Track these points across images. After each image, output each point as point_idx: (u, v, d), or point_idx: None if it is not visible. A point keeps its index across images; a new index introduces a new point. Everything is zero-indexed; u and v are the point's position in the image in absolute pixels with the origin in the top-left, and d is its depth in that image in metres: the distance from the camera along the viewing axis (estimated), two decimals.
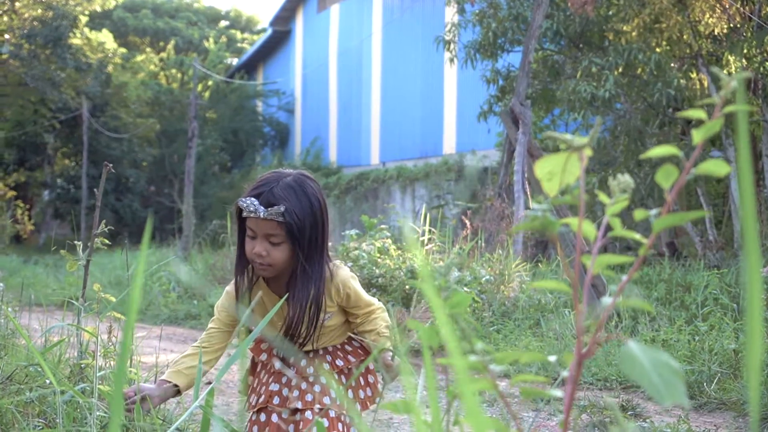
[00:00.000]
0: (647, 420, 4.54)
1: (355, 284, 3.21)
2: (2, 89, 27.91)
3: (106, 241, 3.96)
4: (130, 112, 29.76)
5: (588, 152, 1.47)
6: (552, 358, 1.48)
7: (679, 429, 4.30)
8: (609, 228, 1.51)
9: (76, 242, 4.01)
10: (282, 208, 2.89)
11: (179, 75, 34.03)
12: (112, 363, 3.69)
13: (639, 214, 1.41)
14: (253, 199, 2.92)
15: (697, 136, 1.39)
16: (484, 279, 8.41)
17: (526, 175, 10.65)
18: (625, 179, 1.53)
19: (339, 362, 3.27)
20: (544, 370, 6.07)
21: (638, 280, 9.60)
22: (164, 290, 11.71)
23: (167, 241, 22.46)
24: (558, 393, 1.34)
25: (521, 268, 8.85)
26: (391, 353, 3.11)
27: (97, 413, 2.94)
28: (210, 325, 3.21)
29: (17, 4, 26.28)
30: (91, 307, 3.78)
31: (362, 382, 3.31)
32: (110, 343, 3.68)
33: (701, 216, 1.23)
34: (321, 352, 3.25)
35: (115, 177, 29.05)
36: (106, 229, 3.98)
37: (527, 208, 10.38)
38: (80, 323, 3.63)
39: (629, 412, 4.66)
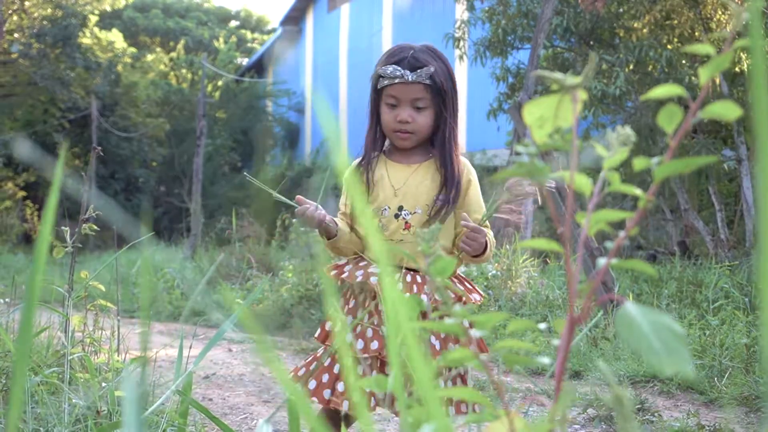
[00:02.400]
0: (655, 414, 4.39)
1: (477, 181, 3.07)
2: (12, 89, 27.87)
3: (95, 227, 3.83)
4: (140, 112, 29.71)
5: (583, 95, 1.33)
6: (542, 326, 1.34)
7: (689, 424, 4.15)
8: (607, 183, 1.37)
9: (63, 228, 3.89)
10: (431, 69, 2.85)
11: (189, 75, 33.98)
12: (99, 353, 3.56)
13: (639, 163, 1.28)
14: (395, 65, 2.87)
15: (704, 73, 1.25)
16: (490, 274, 8.29)
17: None
18: (626, 131, 1.39)
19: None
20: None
21: (648, 278, 9.48)
22: (169, 287, 11.61)
23: (176, 240, 22.41)
24: (546, 360, 1.20)
25: (529, 264, 8.71)
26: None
27: (75, 400, 2.81)
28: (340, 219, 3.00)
29: (27, 3, 26.25)
30: (79, 295, 3.67)
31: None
32: (94, 331, 3.55)
33: (711, 160, 1.09)
34: (419, 279, 2.89)
35: (125, 177, 29.02)
36: (94, 214, 3.86)
37: (535, 202, 10.25)
38: (66, 311, 3.50)
39: (637, 406, 4.51)
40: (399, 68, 2.85)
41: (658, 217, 13.95)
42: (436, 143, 2.95)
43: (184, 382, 2.33)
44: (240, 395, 5.25)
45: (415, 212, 2.93)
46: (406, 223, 2.92)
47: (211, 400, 5.05)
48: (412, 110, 2.89)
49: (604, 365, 1.10)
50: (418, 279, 2.90)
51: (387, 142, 3.10)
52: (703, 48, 1.24)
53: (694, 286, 8.39)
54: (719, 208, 12.39)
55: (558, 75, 1.27)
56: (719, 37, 1.25)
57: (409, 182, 2.95)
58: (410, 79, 2.84)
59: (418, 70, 2.84)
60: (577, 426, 4.36)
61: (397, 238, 2.91)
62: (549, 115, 1.33)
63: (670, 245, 13.02)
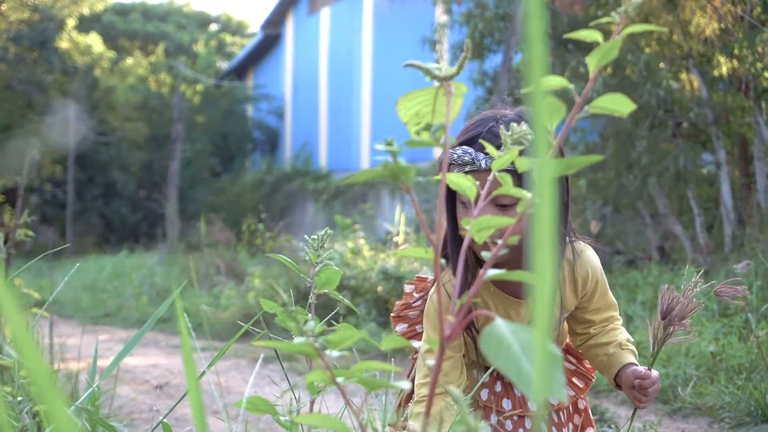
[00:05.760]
0: (612, 425, 4.28)
1: (604, 275, 2.43)
2: None
3: (30, 233, 3.68)
4: (118, 117, 29.52)
5: (463, 89, 1.21)
6: (416, 344, 1.21)
7: None
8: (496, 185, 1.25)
9: None
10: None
11: (168, 79, 33.80)
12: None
13: (522, 163, 1.15)
14: (466, 147, 2.14)
15: (592, 61, 1.12)
16: None
17: None
18: (521, 128, 1.26)
19: (569, 391, 2.45)
20: None
21: (624, 284, 9.40)
22: (136, 293, 11.47)
23: (153, 245, 22.28)
24: (405, 385, 1.06)
25: None
26: (643, 367, 2.31)
27: None
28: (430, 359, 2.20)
29: (3, 6, 26.05)
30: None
31: (570, 410, 2.52)
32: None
33: (596, 159, 0.99)
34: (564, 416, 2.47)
35: (103, 181, 28.86)
36: (28, 220, 3.72)
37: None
38: None
39: (595, 417, 4.39)
40: (471, 151, 2.13)
41: (637, 222, 13.86)
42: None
43: (89, 398, 2.19)
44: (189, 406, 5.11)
45: None
46: None
47: (158, 411, 4.91)
48: (495, 209, 2.11)
49: (457, 395, 0.96)
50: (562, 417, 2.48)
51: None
52: (591, 35, 1.11)
53: None
54: (698, 213, 12.30)
55: (431, 65, 1.14)
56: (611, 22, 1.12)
57: (515, 320, 2.27)
58: (484, 167, 2.10)
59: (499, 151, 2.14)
60: None
61: None
62: (426, 110, 1.20)
63: (649, 250, 12.94)
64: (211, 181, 28.88)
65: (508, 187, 1.20)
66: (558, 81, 1.08)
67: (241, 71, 33.56)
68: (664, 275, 9.34)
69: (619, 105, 1.07)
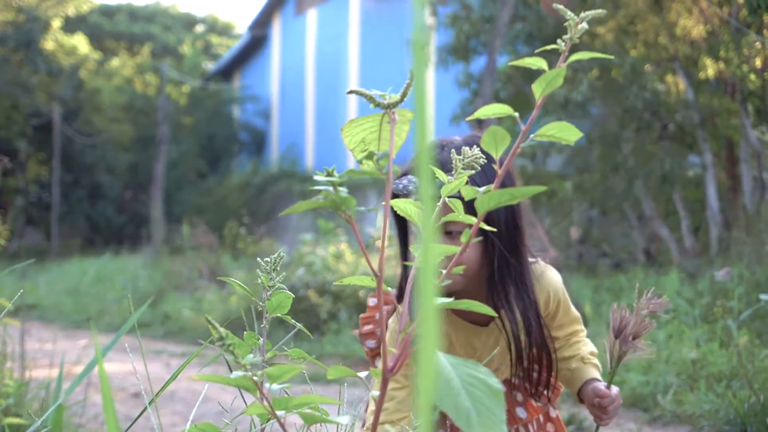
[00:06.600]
0: None
1: (565, 292, 2.42)
2: None
3: (2, 242, 3.65)
4: (104, 118, 29.41)
5: (408, 115, 1.18)
6: (363, 375, 1.18)
7: None
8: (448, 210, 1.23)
9: None
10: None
11: (154, 80, 33.72)
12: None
13: (467, 192, 1.13)
14: (411, 176, 2.08)
15: (537, 89, 1.10)
16: None
17: None
18: (473, 152, 1.24)
19: (536, 402, 2.44)
20: None
21: (610, 287, 9.38)
22: (119, 297, 11.40)
23: (138, 247, 22.18)
24: (344, 420, 1.04)
25: None
26: (604, 383, 2.27)
27: None
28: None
29: None
30: None
31: (541, 420, 2.51)
32: None
33: (539, 190, 0.96)
34: (513, 393, 2.45)
35: (90, 183, 28.72)
36: (1, 228, 3.69)
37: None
38: None
39: (573, 426, 4.37)
40: (415, 180, 2.04)
41: (624, 224, 13.86)
42: (498, 294, 2.19)
43: (52, 418, 2.15)
44: (166, 415, 5.06)
45: (497, 369, 2.38)
46: None
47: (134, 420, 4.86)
48: (444, 238, 2.09)
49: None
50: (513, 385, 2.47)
51: None
52: (535, 62, 1.09)
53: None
54: (684, 215, 12.30)
55: (374, 92, 1.12)
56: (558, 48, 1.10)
57: (478, 348, 2.33)
58: None
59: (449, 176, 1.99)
60: None
61: None
62: (372, 137, 1.18)
63: (635, 253, 12.92)
64: (197, 183, 28.76)
65: (457, 213, 1.17)
66: (503, 109, 1.06)
67: (227, 72, 33.48)
68: (649, 279, 9.30)
69: (565, 133, 1.04)
